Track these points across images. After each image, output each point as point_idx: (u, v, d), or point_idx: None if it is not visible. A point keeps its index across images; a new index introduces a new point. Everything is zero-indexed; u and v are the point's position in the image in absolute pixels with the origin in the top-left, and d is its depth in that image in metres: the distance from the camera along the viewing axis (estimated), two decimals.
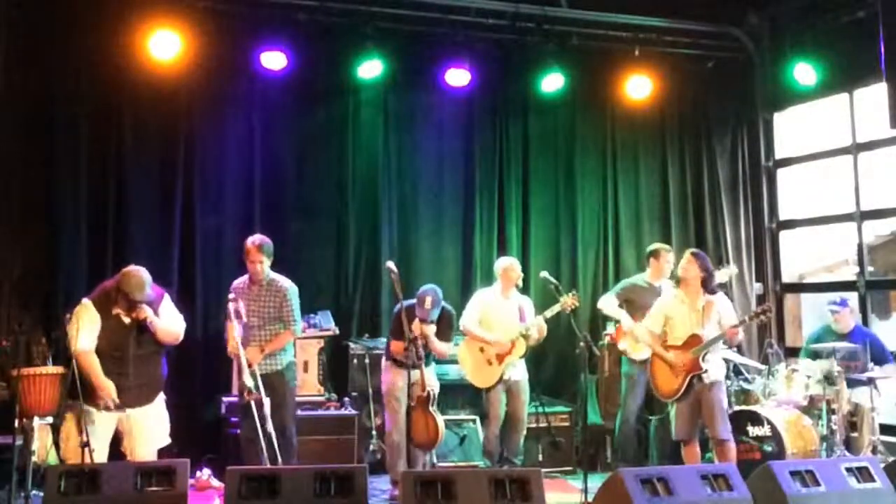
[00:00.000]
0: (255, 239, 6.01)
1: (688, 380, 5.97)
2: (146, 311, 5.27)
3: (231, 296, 5.83)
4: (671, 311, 6.17)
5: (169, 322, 5.45)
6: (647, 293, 6.92)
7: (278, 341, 6.01)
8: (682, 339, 6.04)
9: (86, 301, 5.33)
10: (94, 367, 5.22)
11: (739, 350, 7.47)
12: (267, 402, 5.60)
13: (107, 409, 5.23)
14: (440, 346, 6.30)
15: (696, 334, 5.99)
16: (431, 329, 6.21)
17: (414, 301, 6.23)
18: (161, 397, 5.50)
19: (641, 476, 4.41)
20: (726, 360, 6.61)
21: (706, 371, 5.94)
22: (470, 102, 8.07)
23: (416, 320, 6.13)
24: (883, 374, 6.74)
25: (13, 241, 6.74)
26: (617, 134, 8.56)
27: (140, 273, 5.29)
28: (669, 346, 6.12)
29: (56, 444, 5.81)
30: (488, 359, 6.67)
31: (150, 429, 5.36)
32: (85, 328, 5.23)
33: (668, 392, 6.10)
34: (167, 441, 5.49)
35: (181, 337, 5.56)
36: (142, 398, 5.35)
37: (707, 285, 6.09)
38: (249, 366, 5.64)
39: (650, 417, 7.06)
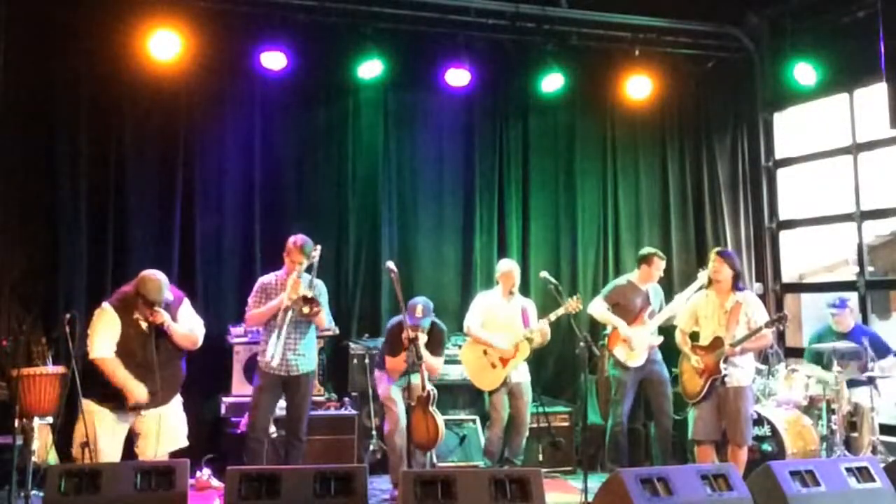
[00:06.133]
0: (297, 239, 5.89)
1: (709, 382, 5.96)
2: (163, 316, 5.24)
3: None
4: (702, 311, 6.15)
5: (187, 327, 5.43)
6: (633, 294, 6.93)
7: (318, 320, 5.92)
8: (709, 341, 6.04)
9: (106, 305, 5.29)
10: (117, 372, 5.16)
11: None
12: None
13: (136, 408, 5.18)
14: (429, 359, 6.23)
15: (719, 336, 5.97)
16: (422, 338, 6.19)
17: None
18: (178, 399, 5.48)
19: (641, 476, 4.40)
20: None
21: (726, 375, 5.93)
22: (470, 102, 8.07)
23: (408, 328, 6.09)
24: (884, 367, 6.73)
25: (13, 241, 6.73)
26: (617, 134, 8.56)
27: (157, 276, 5.28)
28: (696, 347, 6.11)
29: (56, 444, 5.80)
30: (492, 362, 6.68)
31: (166, 430, 5.32)
32: (103, 333, 5.19)
33: (691, 392, 6.10)
34: (184, 443, 5.45)
35: (200, 342, 5.53)
36: (159, 400, 5.28)
37: (738, 283, 6.05)
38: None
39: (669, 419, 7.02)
